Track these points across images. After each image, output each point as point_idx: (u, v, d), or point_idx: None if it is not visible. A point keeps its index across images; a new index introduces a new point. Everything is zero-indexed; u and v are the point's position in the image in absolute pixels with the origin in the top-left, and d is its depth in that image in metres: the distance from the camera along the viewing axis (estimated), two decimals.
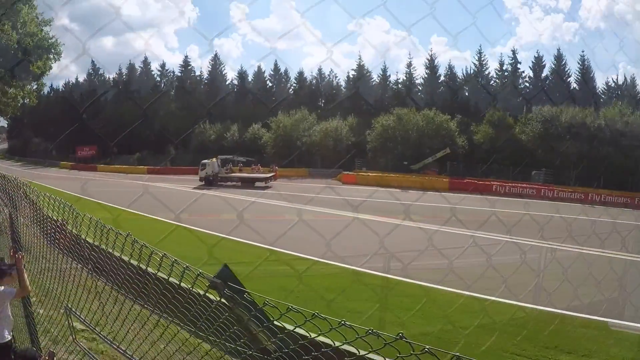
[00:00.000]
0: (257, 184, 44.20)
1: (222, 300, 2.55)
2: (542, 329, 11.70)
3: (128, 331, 4.03)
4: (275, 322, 2.30)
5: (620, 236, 22.44)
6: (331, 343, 2.08)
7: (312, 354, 2.22)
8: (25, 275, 5.39)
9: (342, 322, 1.88)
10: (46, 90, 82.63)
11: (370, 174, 49.88)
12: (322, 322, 2.05)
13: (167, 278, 2.87)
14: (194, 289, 2.66)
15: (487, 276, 16.01)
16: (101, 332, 4.45)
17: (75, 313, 4.66)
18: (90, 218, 3.64)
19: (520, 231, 23.81)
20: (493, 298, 13.85)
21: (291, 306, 2.06)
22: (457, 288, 14.67)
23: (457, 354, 1.53)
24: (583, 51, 78.69)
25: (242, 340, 2.60)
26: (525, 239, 22.01)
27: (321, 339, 2.13)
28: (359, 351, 1.97)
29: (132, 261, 3.26)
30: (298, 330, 2.22)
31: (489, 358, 10.27)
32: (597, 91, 63.62)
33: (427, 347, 1.64)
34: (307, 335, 2.15)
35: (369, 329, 1.80)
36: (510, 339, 11.21)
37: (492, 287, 14.90)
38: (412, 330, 11.60)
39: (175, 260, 2.59)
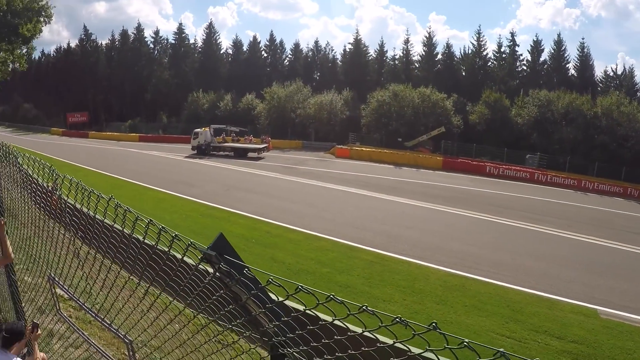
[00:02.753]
0: (250, 154, 43.88)
1: (217, 274, 2.28)
2: (532, 313, 11.70)
3: (114, 302, 3.81)
4: (285, 302, 2.03)
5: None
6: (344, 327, 1.87)
7: (322, 340, 1.99)
8: (8, 242, 5.13)
9: (364, 307, 1.63)
10: (37, 55, 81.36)
11: (364, 149, 49.54)
12: (338, 305, 1.80)
13: (154, 245, 2.60)
14: (184, 260, 2.40)
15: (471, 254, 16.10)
16: (85, 304, 4.21)
17: (59, 283, 4.43)
18: (71, 179, 3.36)
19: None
20: (482, 279, 13.87)
21: (300, 286, 1.81)
22: (450, 267, 14.67)
23: (502, 350, 1.29)
24: (583, 38, 78.30)
25: (239, 321, 2.37)
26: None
27: (337, 323, 1.88)
28: (377, 337, 1.75)
29: (116, 225, 2.98)
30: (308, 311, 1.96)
31: (478, 339, 10.20)
32: (595, 79, 63.33)
33: (466, 340, 1.41)
34: (318, 317, 1.91)
35: (396, 317, 1.56)
36: (500, 320, 11.19)
37: (480, 267, 14.97)
38: (403, 308, 11.55)
39: (162, 227, 2.32)
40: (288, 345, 2.19)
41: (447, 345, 1.44)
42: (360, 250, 15.90)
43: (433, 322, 1.49)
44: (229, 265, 2.08)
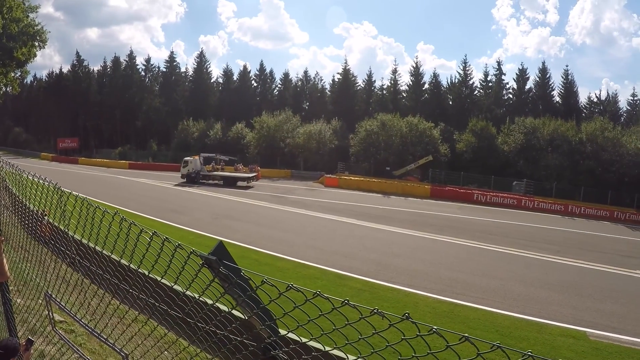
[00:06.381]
0: (239, 183, 43.99)
1: (216, 279, 2.45)
2: (521, 337, 11.79)
3: (107, 323, 3.94)
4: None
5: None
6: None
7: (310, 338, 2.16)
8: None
9: (345, 301, 1.83)
10: (29, 79, 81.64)
11: (353, 178, 49.95)
12: (324, 302, 1.99)
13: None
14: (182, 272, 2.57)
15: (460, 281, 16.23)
16: (81, 320, 4.32)
17: (55, 300, 4.54)
18: (77, 196, 3.52)
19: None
20: (471, 304, 13.97)
21: (290, 285, 2.00)
22: (438, 294, 14.76)
23: (466, 335, 1.48)
24: (567, 65, 79.88)
25: (233, 325, 2.53)
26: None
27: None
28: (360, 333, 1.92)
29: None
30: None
31: None
32: (580, 106, 64.52)
33: (435, 327, 1.60)
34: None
35: (374, 309, 1.75)
36: (488, 345, 11.23)
37: (468, 293, 15.07)
38: (391, 335, 11.57)
39: (166, 238, 2.49)
40: (279, 346, 2.35)
41: (419, 333, 1.61)
42: (348, 279, 15.94)
43: (406, 313, 1.66)
44: (227, 269, 2.26)
